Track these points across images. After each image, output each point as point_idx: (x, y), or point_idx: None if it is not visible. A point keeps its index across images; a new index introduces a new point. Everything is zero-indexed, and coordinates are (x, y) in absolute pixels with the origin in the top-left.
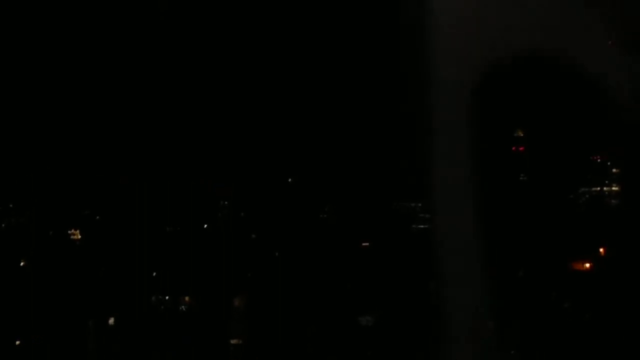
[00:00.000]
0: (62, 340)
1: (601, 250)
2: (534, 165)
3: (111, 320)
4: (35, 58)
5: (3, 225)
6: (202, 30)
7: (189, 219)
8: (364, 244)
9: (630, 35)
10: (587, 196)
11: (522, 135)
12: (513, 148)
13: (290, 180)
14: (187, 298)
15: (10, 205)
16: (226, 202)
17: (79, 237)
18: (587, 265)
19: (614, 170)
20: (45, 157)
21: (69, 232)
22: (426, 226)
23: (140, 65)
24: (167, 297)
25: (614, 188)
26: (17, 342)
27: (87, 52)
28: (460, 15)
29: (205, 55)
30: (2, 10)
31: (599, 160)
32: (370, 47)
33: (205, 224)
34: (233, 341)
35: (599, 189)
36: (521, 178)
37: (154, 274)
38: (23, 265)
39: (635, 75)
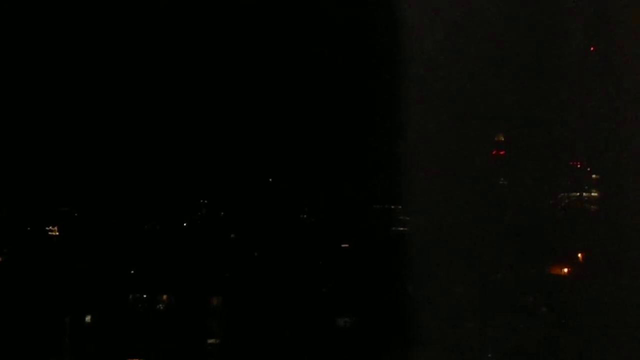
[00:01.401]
0: (38, 337)
1: (579, 255)
2: (514, 169)
3: (88, 318)
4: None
5: None
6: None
7: (168, 217)
8: (343, 245)
9: None
10: (566, 201)
11: (502, 139)
12: (493, 152)
13: (270, 180)
14: (164, 296)
15: None
16: (206, 201)
17: (57, 233)
18: (566, 270)
19: (593, 176)
20: (22, 153)
21: (47, 228)
22: (406, 229)
23: (116, 67)
24: (144, 296)
25: (593, 194)
26: None
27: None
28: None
29: (177, 56)
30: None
31: (578, 166)
32: (346, 47)
33: (185, 222)
34: (210, 340)
35: (578, 194)
36: (501, 182)
37: (132, 271)
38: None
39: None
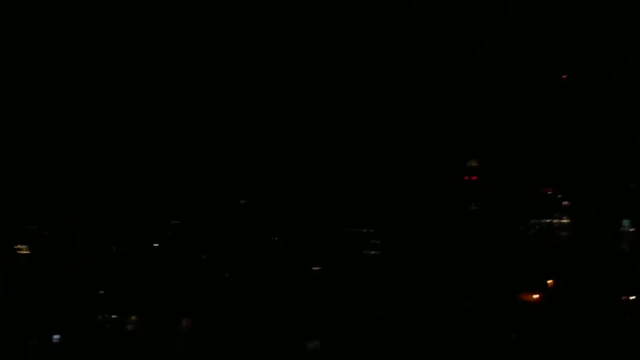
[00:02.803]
0: (4, 356)
1: (549, 282)
2: (485, 195)
3: (55, 338)
4: None
5: None
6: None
7: (138, 238)
8: (314, 268)
9: None
10: (537, 227)
11: (475, 165)
12: (465, 177)
13: (242, 201)
14: (133, 317)
15: None
16: (177, 222)
17: (26, 252)
18: (536, 296)
19: (564, 203)
20: None
21: (16, 247)
22: (377, 252)
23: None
24: (113, 316)
25: (563, 220)
26: None
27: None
28: None
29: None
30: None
31: (549, 192)
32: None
33: (155, 243)
34: None
35: (548, 220)
36: (472, 208)
37: (101, 292)
38: None
39: None
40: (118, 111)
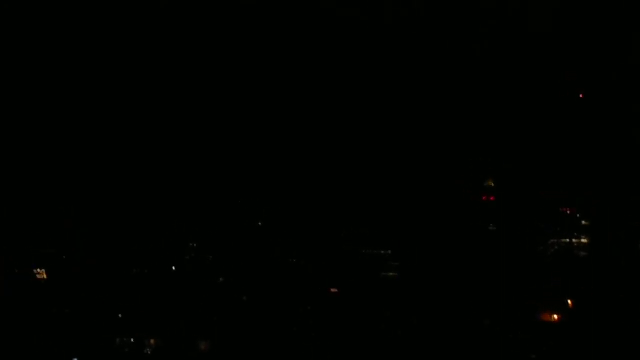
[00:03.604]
0: None
1: (569, 302)
2: (503, 215)
3: None
4: None
5: None
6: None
7: (157, 261)
8: (332, 290)
9: None
10: (556, 247)
11: (492, 184)
12: (483, 197)
13: (259, 224)
14: (152, 340)
15: None
16: (195, 244)
17: (45, 276)
18: (555, 317)
19: (583, 222)
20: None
21: (35, 271)
22: (396, 274)
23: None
24: (132, 339)
25: (583, 240)
26: None
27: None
28: None
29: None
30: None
31: (568, 212)
32: None
33: (173, 265)
34: None
35: (568, 240)
36: (490, 228)
37: (120, 315)
38: None
39: None
40: (127, 119)
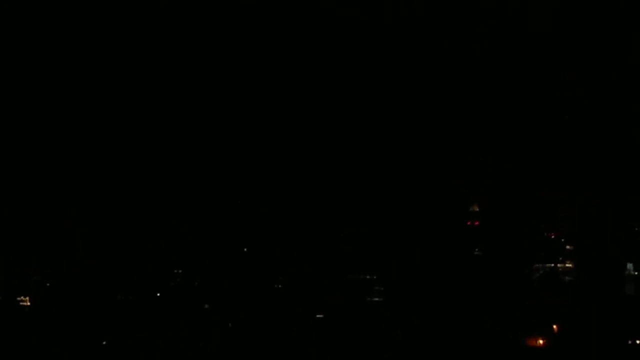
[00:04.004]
0: None
1: (554, 326)
2: (489, 239)
3: None
4: None
5: None
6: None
7: (142, 287)
8: (318, 316)
9: None
10: (541, 272)
11: (477, 209)
12: (468, 222)
13: (245, 249)
14: None
15: None
16: (180, 271)
17: (28, 304)
18: (541, 341)
19: (567, 247)
20: None
21: (18, 299)
22: (381, 299)
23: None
24: None
25: (567, 265)
26: None
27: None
28: None
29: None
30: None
31: (553, 237)
32: None
33: (158, 292)
34: None
35: (552, 265)
36: (475, 253)
37: (104, 342)
38: None
39: None
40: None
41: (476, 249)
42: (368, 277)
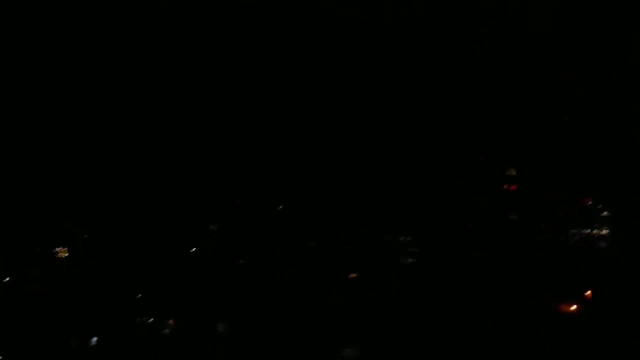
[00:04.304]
0: (44, 358)
1: (588, 293)
2: (524, 204)
3: (93, 340)
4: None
5: None
6: None
7: (176, 242)
8: (351, 275)
9: None
10: (576, 238)
11: (514, 173)
12: (504, 186)
13: (279, 207)
14: (171, 321)
15: None
16: (215, 227)
17: (66, 255)
18: (575, 307)
19: (604, 213)
20: (30, 174)
21: (55, 250)
22: (414, 260)
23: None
24: (150, 319)
25: (603, 231)
26: None
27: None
28: None
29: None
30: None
31: (589, 202)
32: None
33: (193, 248)
34: None
35: (588, 231)
36: (511, 217)
37: (139, 295)
38: (7, 281)
39: None
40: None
41: (512, 214)
42: (402, 238)
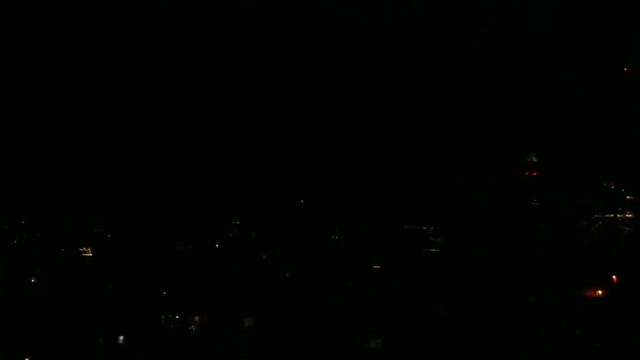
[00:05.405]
0: (72, 357)
1: (614, 277)
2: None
3: (120, 338)
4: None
5: (15, 241)
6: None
7: (200, 238)
8: (375, 267)
9: None
10: (600, 223)
11: (535, 160)
12: (526, 173)
13: (301, 201)
14: (197, 317)
15: (22, 222)
16: (237, 222)
17: (90, 254)
18: (600, 292)
19: (628, 197)
20: (57, 176)
21: (81, 249)
22: (437, 250)
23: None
24: (177, 316)
25: (627, 215)
26: None
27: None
28: None
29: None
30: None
31: (612, 187)
32: None
33: (216, 243)
34: None
35: (612, 215)
36: (534, 203)
37: (164, 292)
38: (33, 281)
39: None
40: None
41: (534, 200)
42: (424, 228)
